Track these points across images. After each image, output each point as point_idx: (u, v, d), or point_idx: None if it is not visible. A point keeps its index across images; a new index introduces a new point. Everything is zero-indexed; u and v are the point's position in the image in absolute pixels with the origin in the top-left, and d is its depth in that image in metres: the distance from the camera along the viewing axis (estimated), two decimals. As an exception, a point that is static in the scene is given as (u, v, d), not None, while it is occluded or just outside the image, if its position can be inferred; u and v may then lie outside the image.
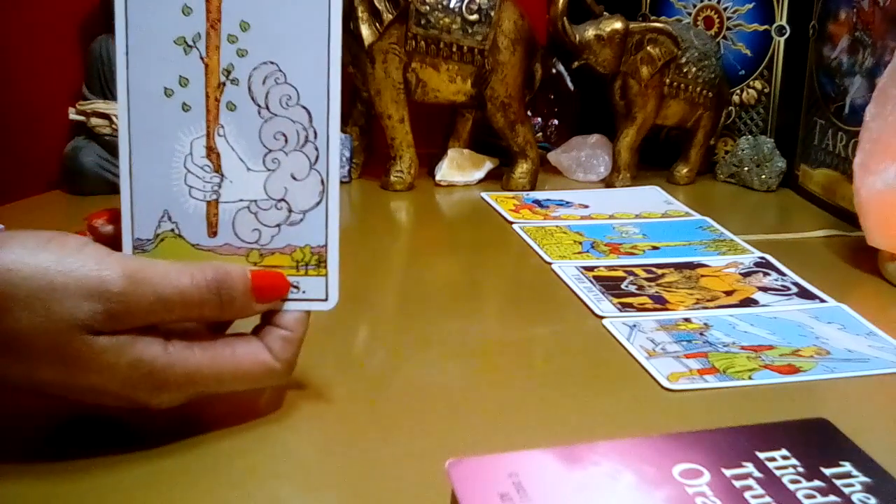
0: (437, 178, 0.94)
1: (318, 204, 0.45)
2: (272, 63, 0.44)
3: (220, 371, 0.42)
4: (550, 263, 0.71)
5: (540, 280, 0.69)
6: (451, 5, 0.88)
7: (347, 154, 0.93)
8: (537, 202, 0.89)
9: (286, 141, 0.44)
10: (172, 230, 0.44)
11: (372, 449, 0.44)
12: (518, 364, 0.56)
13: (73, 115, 0.87)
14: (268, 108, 0.44)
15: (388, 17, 0.85)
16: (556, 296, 0.65)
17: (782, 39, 0.97)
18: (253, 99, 0.44)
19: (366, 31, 0.86)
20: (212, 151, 0.44)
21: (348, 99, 0.97)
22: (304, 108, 0.44)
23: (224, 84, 0.44)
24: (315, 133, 0.44)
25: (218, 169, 0.44)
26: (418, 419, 0.47)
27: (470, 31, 0.88)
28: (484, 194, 0.91)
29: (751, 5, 0.97)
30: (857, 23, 0.84)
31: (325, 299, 0.45)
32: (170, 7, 0.43)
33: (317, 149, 0.44)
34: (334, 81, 0.44)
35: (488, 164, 0.97)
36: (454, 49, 0.89)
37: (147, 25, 0.43)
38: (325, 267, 0.45)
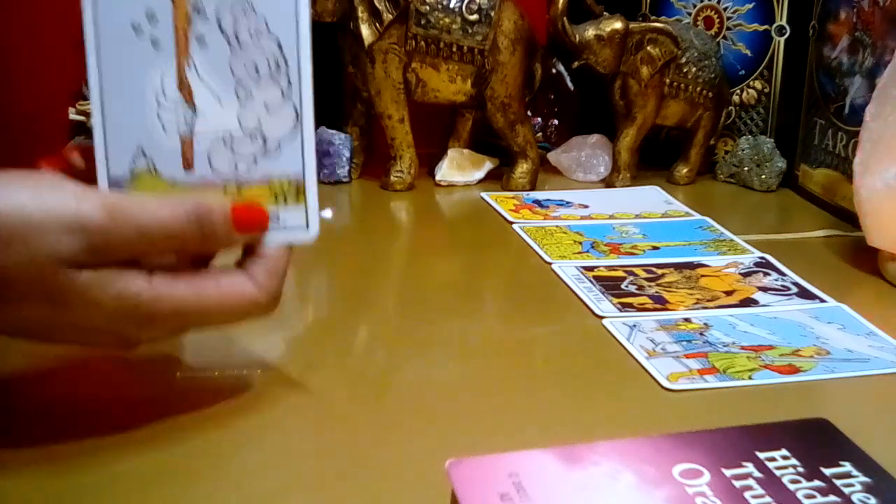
0: (437, 178, 0.94)
1: (292, 133, 0.44)
2: None
3: (205, 303, 0.41)
4: (550, 263, 0.71)
5: (540, 280, 0.69)
6: (451, 5, 0.88)
7: (347, 154, 0.93)
8: (537, 202, 0.89)
9: (257, 71, 0.44)
10: (147, 166, 0.44)
11: (372, 449, 0.44)
12: (518, 364, 0.56)
13: (73, 115, 0.87)
14: (237, 39, 0.44)
15: (388, 17, 0.85)
16: (556, 296, 0.65)
17: (782, 39, 0.97)
18: (222, 30, 0.43)
19: (366, 31, 0.86)
20: (183, 85, 0.44)
21: (348, 99, 0.97)
22: (273, 36, 0.44)
23: (191, 16, 0.43)
24: (286, 61, 0.44)
25: (190, 102, 0.44)
26: (418, 419, 0.47)
27: (470, 31, 0.88)
28: (484, 194, 0.91)
29: (751, 5, 0.97)
30: (857, 23, 0.84)
31: (307, 228, 0.45)
32: None
33: (288, 78, 0.44)
34: (303, 8, 0.43)
35: (488, 164, 0.97)
36: (454, 49, 0.89)
37: None
38: (304, 197, 0.45)
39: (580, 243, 0.76)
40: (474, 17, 0.88)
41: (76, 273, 0.38)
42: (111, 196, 0.40)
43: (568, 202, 0.89)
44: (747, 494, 0.35)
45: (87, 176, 0.43)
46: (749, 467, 0.36)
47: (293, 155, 0.45)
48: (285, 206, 0.45)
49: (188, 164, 0.44)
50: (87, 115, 0.86)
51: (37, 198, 0.38)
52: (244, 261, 0.44)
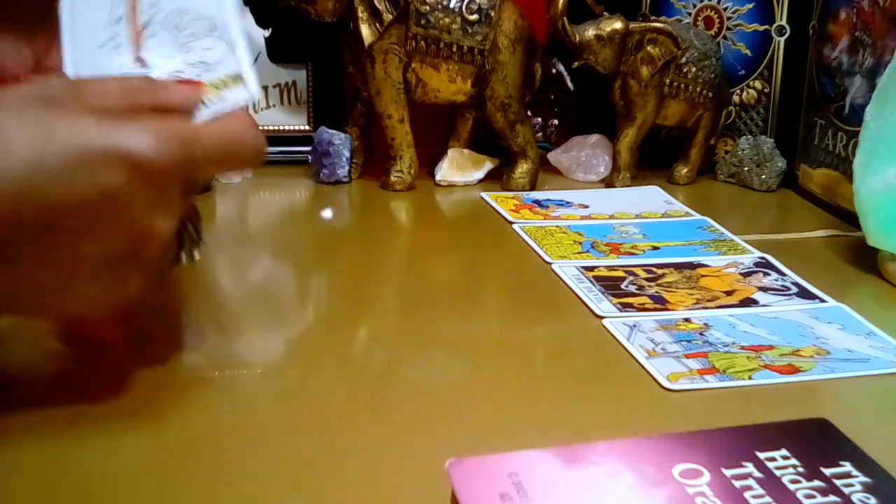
0: (437, 178, 0.94)
1: (227, 57, 0.52)
2: (181, 6, 0.53)
3: (211, 133, 0.44)
4: (550, 263, 0.71)
5: (540, 280, 0.69)
6: (451, 5, 0.88)
7: (347, 154, 0.93)
8: (537, 202, 0.89)
9: (196, 36, 0.52)
10: None
11: (372, 449, 0.44)
12: (518, 364, 0.56)
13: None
14: (178, 28, 0.52)
15: (388, 17, 0.85)
16: (556, 296, 0.65)
17: (782, 39, 0.97)
18: (167, 30, 0.52)
19: (366, 31, 0.86)
20: (138, 60, 0.52)
21: (348, 99, 0.97)
22: (206, 18, 0.52)
23: (143, 30, 0.52)
24: (217, 25, 0.52)
25: (144, 65, 0.52)
26: (418, 419, 0.47)
27: (470, 31, 0.88)
28: (484, 194, 0.91)
29: (751, 5, 0.97)
30: (857, 23, 0.84)
31: (248, 91, 0.51)
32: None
33: (221, 31, 0.52)
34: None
35: (488, 164, 0.97)
36: (454, 49, 0.89)
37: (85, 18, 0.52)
38: (241, 79, 0.51)
39: (580, 243, 0.76)
40: (474, 17, 0.88)
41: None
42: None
43: (568, 202, 0.89)
44: (747, 494, 0.35)
45: None
46: (749, 467, 0.36)
47: (228, 63, 0.52)
48: (227, 89, 0.51)
49: None
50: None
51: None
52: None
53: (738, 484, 0.35)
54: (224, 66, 0.53)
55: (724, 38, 0.99)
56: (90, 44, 0.52)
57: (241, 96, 0.52)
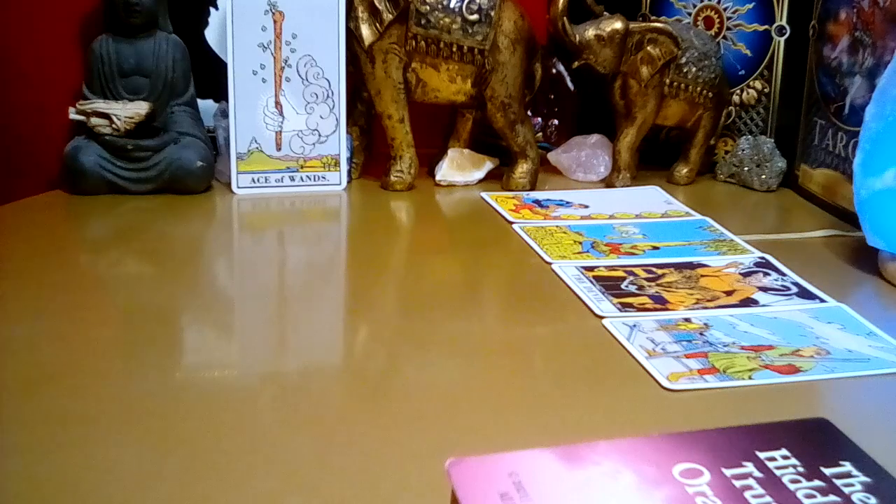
0: (437, 178, 0.94)
1: (334, 132, 0.88)
2: (309, 55, 0.87)
3: None
4: (550, 263, 0.71)
5: (540, 280, 0.69)
6: (451, 5, 0.88)
7: (347, 154, 0.93)
8: (537, 202, 0.89)
9: (317, 97, 0.87)
10: (256, 148, 0.87)
11: (372, 449, 0.44)
12: (518, 364, 0.56)
13: (73, 115, 0.87)
14: (307, 79, 0.87)
15: (388, 17, 0.85)
16: (556, 296, 0.65)
17: (782, 39, 0.97)
18: (299, 75, 0.86)
19: (366, 31, 0.86)
20: (277, 104, 0.87)
21: (349, 99, 0.97)
22: (326, 79, 0.88)
23: (284, 67, 0.86)
24: (332, 92, 0.88)
25: (281, 113, 0.87)
26: (418, 419, 0.47)
27: (470, 31, 0.88)
28: (484, 194, 0.91)
29: (751, 5, 0.97)
30: (857, 23, 0.84)
31: (339, 183, 0.88)
32: (255, 26, 0.84)
33: (334, 102, 0.87)
34: (342, 65, 0.87)
35: (488, 164, 0.97)
36: (454, 49, 0.89)
37: (242, 36, 0.85)
38: (339, 166, 0.88)
39: (580, 243, 0.76)
40: (474, 17, 0.88)
41: None
42: None
43: (568, 202, 0.89)
44: (747, 494, 0.35)
45: None
46: (749, 467, 0.36)
47: (334, 143, 0.88)
48: (329, 171, 0.88)
49: (279, 147, 0.88)
50: (86, 114, 0.86)
51: None
52: None
53: (738, 484, 0.35)
54: (330, 144, 0.87)
55: (724, 38, 0.99)
56: (245, 68, 0.84)
57: (334, 187, 0.87)
